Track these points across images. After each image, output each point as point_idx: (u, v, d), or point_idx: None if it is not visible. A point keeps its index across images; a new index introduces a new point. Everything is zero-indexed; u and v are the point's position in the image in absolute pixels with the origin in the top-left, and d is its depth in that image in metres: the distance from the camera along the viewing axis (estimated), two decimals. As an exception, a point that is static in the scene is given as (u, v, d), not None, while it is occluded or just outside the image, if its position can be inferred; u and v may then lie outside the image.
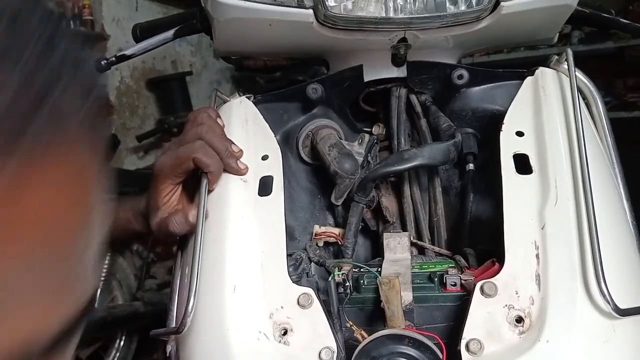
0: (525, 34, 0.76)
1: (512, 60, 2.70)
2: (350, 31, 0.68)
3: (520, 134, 0.63)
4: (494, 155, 0.63)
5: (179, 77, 3.17)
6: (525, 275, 0.53)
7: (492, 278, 0.53)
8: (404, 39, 0.69)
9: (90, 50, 0.20)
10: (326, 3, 0.64)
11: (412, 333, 0.50)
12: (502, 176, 0.59)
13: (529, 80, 0.68)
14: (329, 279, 0.57)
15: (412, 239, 0.67)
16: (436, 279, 0.58)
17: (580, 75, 0.69)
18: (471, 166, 0.72)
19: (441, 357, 0.49)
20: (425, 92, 0.75)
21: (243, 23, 0.68)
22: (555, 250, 0.53)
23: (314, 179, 0.76)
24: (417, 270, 0.60)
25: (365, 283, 0.58)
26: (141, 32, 0.84)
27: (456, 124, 0.71)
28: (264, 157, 0.66)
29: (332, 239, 0.69)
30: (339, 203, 0.70)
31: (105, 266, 1.78)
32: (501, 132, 0.63)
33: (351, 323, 0.54)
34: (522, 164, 0.60)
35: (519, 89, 0.67)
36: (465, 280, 0.56)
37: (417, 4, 0.65)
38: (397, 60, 0.73)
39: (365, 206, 0.69)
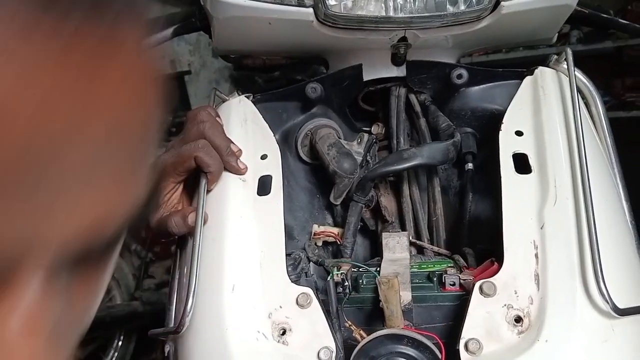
0: (525, 34, 0.76)
1: (511, 59, 2.70)
2: (350, 30, 0.67)
3: (519, 133, 0.63)
4: (493, 155, 0.63)
5: (177, 76, 3.16)
6: (525, 275, 0.53)
7: (491, 278, 0.53)
8: (404, 38, 0.69)
9: None
10: (326, 2, 0.64)
11: (411, 333, 0.50)
12: (501, 176, 0.59)
13: (528, 79, 0.68)
14: (328, 279, 0.57)
15: (411, 238, 0.67)
16: (435, 279, 0.58)
17: (579, 74, 0.69)
18: (470, 166, 0.72)
19: (440, 356, 0.49)
20: (425, 91, 0.75)
21: (242, 21, 0.67)
22: (554, 250, 0.53)
23: (313, 179, 0.76)
24: (416, 269, 0.60)
25: (364, 283, 0.58)
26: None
27: (455, 124, 0.71)
28: (263, 157, 0.66)
29: (331, 239, 0.69)
30: (338, 202, 0.70)
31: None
32: (500, 132, 0.63)
33: (350, 323, 0.54)
34: (521, 164, 0.60)
35: (518, 88, 0.67)
36: (464, 279, 0.56)
37: (417, 3, 0.65)
38: (397, 60, 0.73)
39: (364, 206, 0.69)
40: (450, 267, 0.59)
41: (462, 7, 0.65)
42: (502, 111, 0.66)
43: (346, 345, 0.53)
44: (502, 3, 0.65)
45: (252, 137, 0.67)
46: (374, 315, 0.57)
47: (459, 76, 0.70)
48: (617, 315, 0.49)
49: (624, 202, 0.63)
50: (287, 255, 0.60)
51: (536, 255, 0.54)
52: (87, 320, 0.22)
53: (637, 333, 0.52)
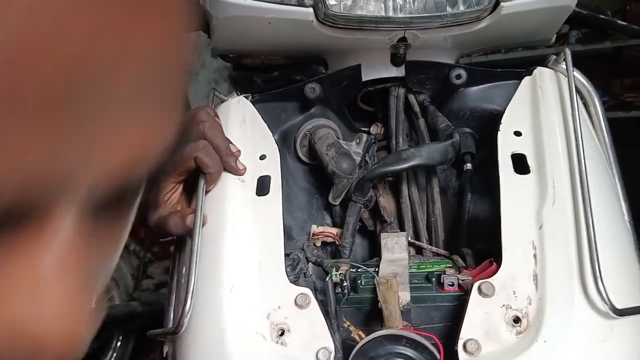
0: (524, 35, 0.76)
1: (510, 60, 2.69)
2: (350, 30, 0.67)
3: (518, 133, 0.63)
4: (491, 155, 0.63)
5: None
6: (523, 275, 0.53)
7: (490, 278, 0.53)
8: (403, 39, 0.69)
9: None
10: (327, 2, 0.64)
11: (410, 333, 0.50)
12: (499, 176, 0.59)
13: (526, 80, 0.68)
14: (327, 279, 0.57)
15: (409, 238, 0.67)
16: (434, 279, 0.58)
17: (578, 75, 0.69)
18: (469, 166, 0.72)
19: (438, 357, 0.49)
20: (424, 91, 0.75)
21: (242, 21, 0.67)
22: (552, 250, 0.53)
23: (312, 179, 0.76)
24: (414, 270, 0.60)
25: (363, 283, 0.58)
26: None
27: (454, 124, 0.71)
28: (262, 157, 0.66)
29: (329, 239, 0.69)
30: (337, 203, 0.70)
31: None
32: (499, 132, 0.63)
33: (349, 323, 0.54)
34: (520, 164, 0.60)
35: (516, 88, 0.67)
36: (462, 280, 0.56)
37: (416, 3, 0.65)
38: (396, 60, 0.73)
39: (362, 206, 0.69)
40: (449, 267, 0.59)
41: (462, 8, 0.65)
42: (501, 111, 0.66)
43: (345, 346, 0.53)
44: (502, 4, 0.65)
45: (250, 138, 0.67)
46: (373, 316, 0.57)
47: (458, 76, 0.70)
48: (615, 316, 0.49)
49: (623, 202, 0.63)
50: (286, 255, 0.60)
51: (535, 256, 0.54)
52: (109, 271, 0.22)
53: (635, 333, 0.52)
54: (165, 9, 0.17)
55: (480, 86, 0.72)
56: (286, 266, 0.58)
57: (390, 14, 0.65)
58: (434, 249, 0.68)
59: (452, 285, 0.56)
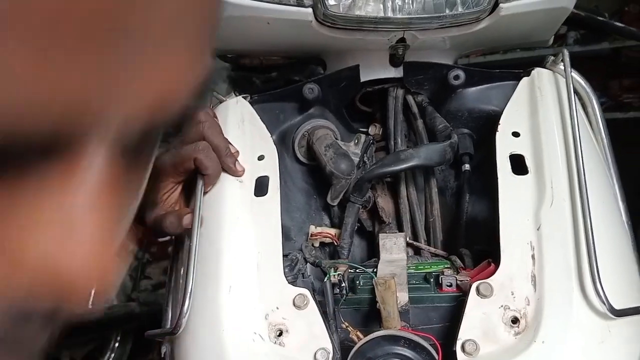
0: (522, 36, 0.76)
1: (508, 60, 2.70)
2: (349, 30, 0.68)
3: (516, 134, 0.63)
4: (489, 156, 0.63)
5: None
6: (521, 276, 0.53)
7: (488, 279, 0.53)
8: (402, 39, 0.69)
9: None
10: (326, 2, 0.64)
11: (408, 334, 0.50)
12: (498, 177, 0.59)
13: (525, 80, 0.68)
14: (325, 280, 0.57)
15: (408, 239, 0.67)
16: (432, 280, 0.58)
17: (576, 75, 0.69)
18: (467, 167, 0.72)
19: (437, 358, 0.49)
20: (422, 92, 0.75)
21: (240, 21, 0.67)
22: (551, 251, 0.54)
23: (310, 179, 0.76)
24: (413, 270, 0.60)
25: (361, 284, 0.58)
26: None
27: (452, 125, 0.71)
28: (260, 157, 0.66)
29: (328, 240, 0.69)
30: (335, 203, 0.70)
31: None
32: (497, 133, 0.63)
33: (347, 324, 0.54)
34: (518, 165, 0.60)
35: (515, 89, 0.68)
36: (461, 280, 0.56)
37: (415, 4, 0.65)
38: (395, 61, 0.73)
39: (361, 207, 0.69)
40: (447, 268, 0.59)
41: (461, 9, 0.65)
42: (499, 112, 0.66)
43: (343, 347, 0.53)
44: (501, 5, 0.65)
45: (249, 138, 0.67)
46: (371, 317, 0.57)
47: (456, 77, 0.70)
48: (613, 316, 0.49)
49: (620, 203, 0.63)
50: (284, 256, 0.60)
51: (533, 257, 0.54)
52: (131, 216, 0.22)
53: (633, 334, 0.52)
54: None
55: (479, 87, 0.72)
56: (284, 267, 0.58)
57: (389, 14, 0.65)
58: (432, 249, 0.68)
59: (451, 285, 0.56)
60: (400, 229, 0.70)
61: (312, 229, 0.69)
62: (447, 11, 0.65)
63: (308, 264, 0.65)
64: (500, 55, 2.75)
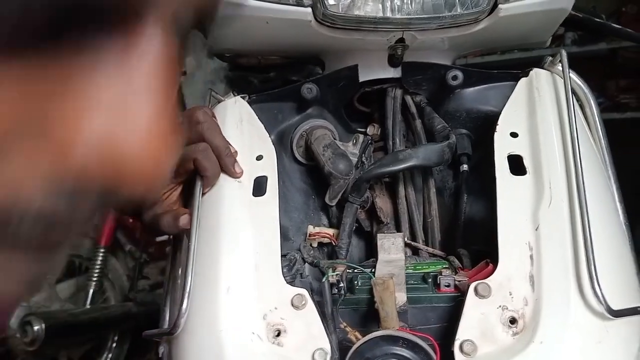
0: (520, 37, 0.76)
1: (506, 61, 2.70)
2: (348, 30, 0.67)
3: (514, 135, 0.63)
4: (488, 156, 0.63)
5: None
6: (519, 276, 0.53)
7: (486, 279, 0.53)
8: (401, 40, 0.69)
9: None
10: (325, 2, 0.64)
11: (406, 334, 0.50)
12: (496, 177, 0.59)
13: (523, 81, 0.68)
14: (323, 280, 0.57)
15: (406, 239, 0.67)
16: (430, 280, 0.58)
17: (574, 76, 0.69)
18: (465, 167, 0.72)
19: (435, 358, 0.49)
20: (420, 93, 0.75)
21: (239, 20, 0.67)
22: (549, 252, 0.54)
23: (308, 179, 0.75)
24: (411, 271, 0.60)
25: (359, 284, 0.58)
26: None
27: (450, 125, 0.71)
28: (259, 157, 0.66)
29: (326, 240, 0.69)
30: (333, 203, 0.70)
31: (98, 267, 1.77)
32: (495, 133, 0.63)
33: (345, 324, 0.54)
34: (516, 165, 0.60)
35: (513, 90, 0.68)
36: (459, 281, 0.56)
37: (414, 5, 0.65)
38: (394, 61, 0.73)
39: (359, 207, 0.69)
40: (445, 268, 0.59)
41: (460, 10, 0.65)
42: (497, 112, 0.66)
43: (341, 347, 0.53)
44: (500, 6, 0.66)
45: (247, 138, 0.67)
46: (369, 317, 0.57)
47: (454, 77, 0.70)
48: (611, 317, 0.49)
49: (618, 204, 0.63)
50: (283, 256, 0.60)
51: (531, 257, 0.54)
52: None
53: (631, 334, 0.52)
54: None
55: (477, 87, 0.72)
56: (283, 267, 0.58)
57: (389, 14, 0.65)
58: (431, 249, 0.68)
59: (449, 286, 0.56)
60: (398, 229, 0.70)
61: (311, 229, 0.69)
62: (446, 12, 0.65)
63: (306, 264, 0.65)
64: (498, 56, 2.75)
